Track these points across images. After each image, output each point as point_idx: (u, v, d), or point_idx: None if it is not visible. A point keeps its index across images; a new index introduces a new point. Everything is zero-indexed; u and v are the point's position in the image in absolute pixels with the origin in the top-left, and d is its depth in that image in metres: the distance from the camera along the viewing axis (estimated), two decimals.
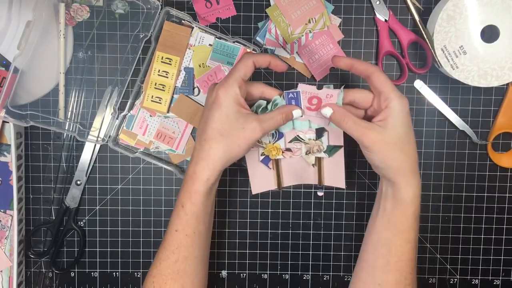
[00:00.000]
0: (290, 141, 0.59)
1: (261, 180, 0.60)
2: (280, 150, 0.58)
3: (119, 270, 0.68)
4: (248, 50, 0.63)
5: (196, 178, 0.52)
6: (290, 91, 0.54)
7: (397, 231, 0.54)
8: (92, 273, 0.68)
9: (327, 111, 0.53)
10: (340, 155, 0.59)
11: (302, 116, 0.56)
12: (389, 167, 0.52)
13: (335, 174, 0.60)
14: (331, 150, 0.59)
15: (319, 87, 0.54)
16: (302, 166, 0.60)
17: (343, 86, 0.54)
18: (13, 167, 0.63)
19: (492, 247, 0.68)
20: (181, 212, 0.54)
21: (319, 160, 0.59)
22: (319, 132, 0.58)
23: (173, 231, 0.55)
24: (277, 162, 0.59)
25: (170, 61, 0.63)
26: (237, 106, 0.52)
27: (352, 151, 0.66)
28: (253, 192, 0.60)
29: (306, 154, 0.59)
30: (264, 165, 0.59)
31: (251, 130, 0.51)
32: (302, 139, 0.58)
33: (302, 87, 0.54)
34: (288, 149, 0.59)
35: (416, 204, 0.53)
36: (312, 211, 0.68)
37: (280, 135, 0.58)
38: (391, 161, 0.51)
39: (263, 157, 0.59)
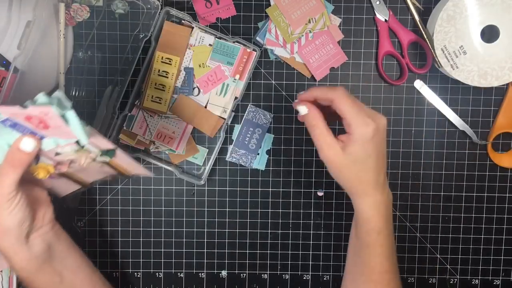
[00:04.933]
0: (56, 155, 0.49)
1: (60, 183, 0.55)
2: (50, 166, 0.49)
3: (119, 270, 0.68)
4: (248, 50, 0.63)
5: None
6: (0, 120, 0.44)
7: (362, 245, 0.54)
8: None
9: (303, 110, 0.51)
10: (121, 154, 0.51)
11: (29, 140, 0.44)
12: (343, 184, 0.53)
13: (133, 164, 0.54)
14: (108, 153, 0.51)
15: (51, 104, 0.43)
16: (96, 166, 0.53)
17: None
18: None
19: (492, 247, 0.68)
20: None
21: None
22: (79, 144, 0.47)
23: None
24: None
25: (170, 61, 0.63)
26: None
27: None
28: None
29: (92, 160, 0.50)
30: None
31: None
32: (66, 153, 0.49)
33: (2, 110, 0.42)
34: (59, 163, 0.50)
35: (375, 221, 0.52)
36: (312, 211, 0.68)
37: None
38: (344, 181, 0.52)
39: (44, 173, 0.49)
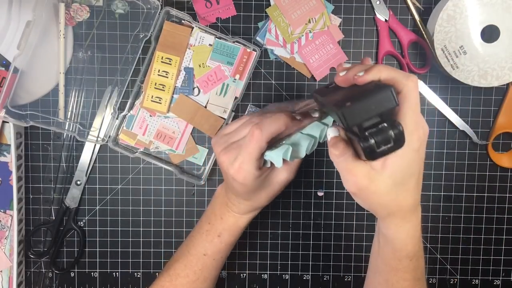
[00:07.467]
0: None
1: None
2: None
3: (119, 270, 0.68)
4: (248, 50, 0.63)
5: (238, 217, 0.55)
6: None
7: (391, 269, 0.48)
8: (92, 273, 0.68)
9: (332, 132, 0.42)
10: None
11: None
12: (376, 212, 0.45)
13: None
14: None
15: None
16: None
17: None
18: (13, 167, 0.63)
19: (492, 247, 0.68)
20: (215, 239, 0.55)
21: None
22: None
23: (201, 255, 0.55)
24: None
25: (170, 61, 0.63)
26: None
27: None
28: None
29: None
30: None
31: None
32: None
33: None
34: None
35: (409, 246, 0.46)
36: (312, 211, 0.68)
37: None
38: (378, 208, 0.43)
39: None
